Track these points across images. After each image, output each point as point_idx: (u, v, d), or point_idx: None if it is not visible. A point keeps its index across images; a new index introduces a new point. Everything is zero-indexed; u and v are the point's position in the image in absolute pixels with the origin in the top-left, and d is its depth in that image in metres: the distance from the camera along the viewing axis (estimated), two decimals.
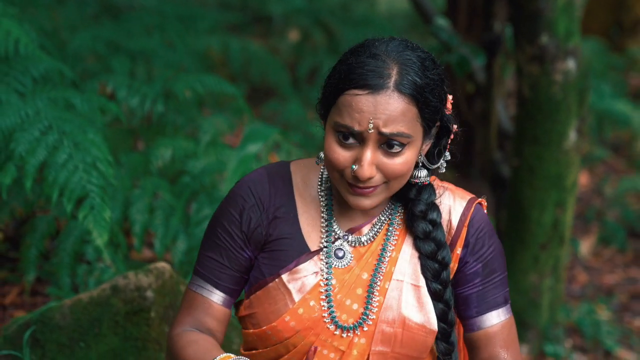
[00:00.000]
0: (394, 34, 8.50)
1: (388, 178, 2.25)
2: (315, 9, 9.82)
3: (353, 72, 2.21)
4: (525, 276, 5.12)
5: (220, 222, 2.39)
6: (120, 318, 3.11)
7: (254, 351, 2.41)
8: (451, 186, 2.45)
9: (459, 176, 7.57)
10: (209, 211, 3.88)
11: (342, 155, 2.22)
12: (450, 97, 2.37)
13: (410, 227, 2.39)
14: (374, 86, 2.18)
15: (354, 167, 2.21)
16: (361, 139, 2.21)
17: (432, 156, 2.37)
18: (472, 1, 7.22)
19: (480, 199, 2.45)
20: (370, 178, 2.23)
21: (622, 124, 8.81)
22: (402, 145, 2.22)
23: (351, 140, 2.21)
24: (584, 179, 8.38)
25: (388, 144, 2.22)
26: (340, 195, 2.36)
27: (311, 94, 8.61)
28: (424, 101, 2.23)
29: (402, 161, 2.24)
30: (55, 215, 3.77)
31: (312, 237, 2.37)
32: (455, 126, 2.39)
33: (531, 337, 5.18)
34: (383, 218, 2.39)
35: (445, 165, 2.40)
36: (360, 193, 2.25)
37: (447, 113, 2.36)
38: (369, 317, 2.34)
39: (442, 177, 2.51)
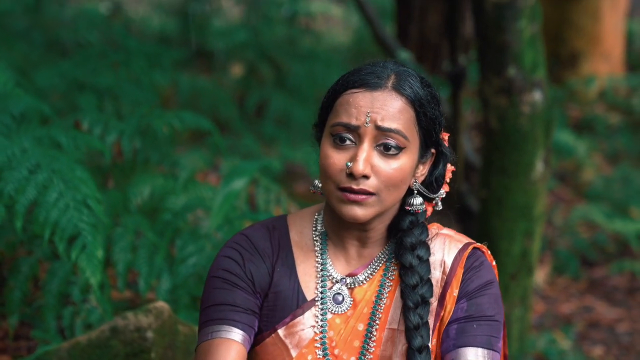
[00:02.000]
0: (340, 67, 8.61)
1: (381, 184, 2.20)
2: (261, 43, 9.85)
3: (351, 76, 2.25)
4: None
5: (220, 270, 2.32)
6: None
7: None
8: (451, 232, 2.40)
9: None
10: (193, 248, 3.84)
11: (336, 158, 2.20)
12: (446, 134, 2.37)
13: (397, 256, 2.33)
14: (372, 84, 2.21)
15: (348, 164, 2.18)
16: (358, 137, 2.20)
17: (429, 186, 2.34)
18: (422, 33, 7.34)
19: (479, 245, 2.39)
20: (365, 176, 2.19)
21: (566, 154, 8.98)
22: (399, 149, 2.21)
23: (347, 142, 2.19)
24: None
25: (385, 145, 2.20)
26: (336, 233, 2.33)
27: (261, 128, 8.61)
28: (421, 108, 2.23)
29: (398, 166, 2.21)
30: (39, 256, 3.69)
31: (310, 285, 2.33)
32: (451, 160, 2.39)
33: None
34: (380, 261, 2.34)
35: (440, 202, 2.37)
36: (353, 199, 2.20)
37: (445, 144, 2.36)
38: None
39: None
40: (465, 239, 2.38)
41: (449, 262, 2.33)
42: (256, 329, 2.32)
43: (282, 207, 4.16)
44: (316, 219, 2.38)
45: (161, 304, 3.12)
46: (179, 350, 3.16)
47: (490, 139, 4.99)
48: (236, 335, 2.26)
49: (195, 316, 3.78)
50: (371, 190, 2.20)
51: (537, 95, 4.87)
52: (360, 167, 2.17)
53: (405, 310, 2.29)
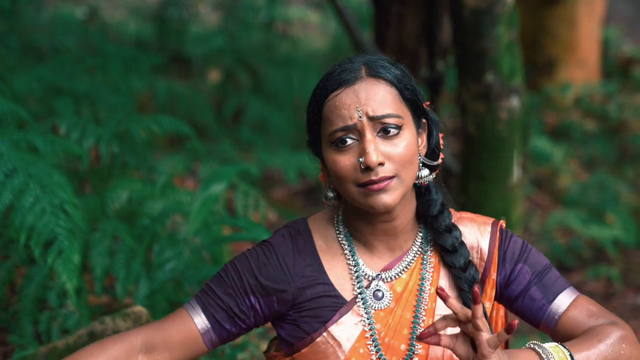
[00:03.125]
0: (316, 72, 8.53)
1: (397, 166, 2.25)
2: (238, 49, 9.84)
3: (325, 82, 2.30)
4: None
5: (233, 264, 2.38)
6: None
7: None
8: (467, 214, 2.48)
9: None
10: (171, 253, 3.83)
11: (346, 160, 2.26)
12: (427, 102, 2.42)
13: (437, 243, 2.39)
14: (348, 80, 2.26)
15: (360, 160, 2.24)
16: (358, 134, 2.25)
17: (431, 155, 2.41)
18: (399, 39, 7.34)
19: (500, 221, 2.48)
20: (380, 164, 2.23)
21: (543, 160, 9.02)
22: (398, 127, 2.26)
23: (349, 142, 2.25)
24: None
25: (384, 129, 2.25)
26: (362, 233, 2.37)
27: (239, 134, 8.59)
28: (400, 83, 2.29)
29: (404, 144, 2.26)
30: (15, 261, 3.66)
31: (345, 287, 2.37)
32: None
33: None
34: (415, 249, 2.40)
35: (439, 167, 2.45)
36: (376, 189, 2.24)
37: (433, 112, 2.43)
38: (415, 353, 2.34)
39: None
40: (489, 219, 2.46)
41: (485, 248, 2.40)
42: (227, 330, 2.35)
43: (260, 212, 4.16)
44: (336, 221, 2.42)
45: (139, 309, 3.11)
46: None
47: (468, 144, 5.00)
48: (199, 318, 2.34)
49: None
50: (390, 174, 2.25)
51: (514, 102, 4.89)
52: (373, 158, 2.22)
53: (460, 293, 2.37)
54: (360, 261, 2.38)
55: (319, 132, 2.31)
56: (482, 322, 2.13)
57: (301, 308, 2.36)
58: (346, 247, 2.39)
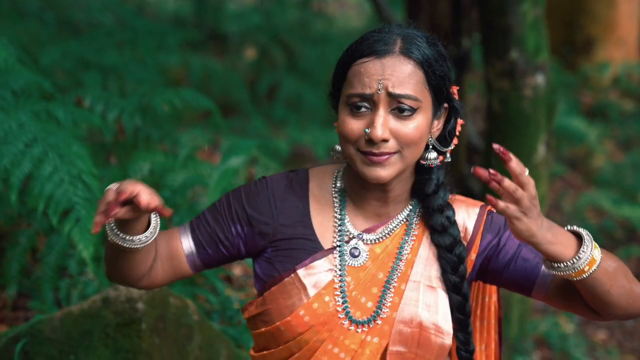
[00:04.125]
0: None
1: (401, 144, 2.27)
2: (273, 27, 9.87)
3: (359, 45, 2.29)
4: None
5: (227, 194, 2.45)
6: (111, 330, 3.09)
7: (264, 352, 2.42)
8: (459, 196, 2.48)
9: None
10: None
11: (355, 124, 2.28)
12: (455, 87, 2.41)
13: (427, 223, 2.41)
14: (380, 51, 2.26)
15: (367, 130, 2.26)
16: (372, 104, 2.27)
17: (442, 140, 2.40)
18: (432, 18, 7.32)
19: (489, 207, 2.45)
20: (384, 140, 2.26)
21: (577, 141, 8.97)
22: (413, 110, 2.27)
23: (363, 109, 2.27)
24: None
25: (399, 108, 2.26)
26: (356, 192, 2.40)
27: (272, 111, 8.64)
28: (430, 68, 2.28)
29: (414, 126, 2.27)
30: (37, 229, 3.74)
31: (326, 236, 2.40)
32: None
33: (502, 349, 5.24)
34: (400, 218, 2.42)
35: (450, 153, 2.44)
36: (376, 161, 2.27)
37: (456, 97, 2.41)
38: (383, 310, 2.36)
39: None
40: (479, 203, 2.46)
41: (470, 228, 2.41)
42: (209, 255, 2.41)
43: None
44: (336, 175, 2.45)
45: None
46: (170, 321, 3.20)
47: (492, 122, 5.00)
48: (185, 238, 2.41)
49: (189, 290, 3.83)
50: (393, 150, 2.28)
51: (539, 79, 4.87)
52: (379, 132, 2.24)
53: (442, 273, 2.38)
54: (347, 218, 2.40)
55: (341, 89, 2.34)
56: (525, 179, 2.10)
57: (278, 246, 2.39)
58: (337, 201, 2.42)
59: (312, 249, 2.38)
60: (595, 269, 2.18)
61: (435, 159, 2.36)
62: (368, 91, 2.26)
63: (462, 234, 2.41)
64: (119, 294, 3.11)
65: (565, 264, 2.17)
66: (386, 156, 2.27)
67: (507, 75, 4.84)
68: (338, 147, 2.39)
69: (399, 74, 2.25)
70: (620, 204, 7.69)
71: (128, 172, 4.12)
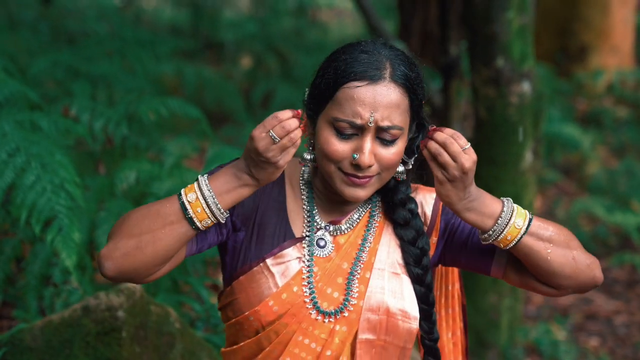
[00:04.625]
0: None
1: (382, 168, 2.35)
2: (268, 35, 9.90)
3: (351, 66, 2.31)
4: (485, 296, 5.19)
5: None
6: (92, 339, 3.11)
7: (234, 347, 2.45)
8: (419, 186, 2.55)
9: None
10: None
11: (341, 146, 2.32)
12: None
13: (389, 217, 2.48)
14: (373, 77, 2.30)
15: (355, 156, 2.31)
16: (360, 131, 2.32)
17: (409, 153, 2.46)
18: (424, 25, 7.35)
19: None
20: (370, 166, 2.32)
21: (571, 148, 8.98)
22: (395, 138, 2.34)
23: (350, 132, 2.31)
24: (536, 201, 8.51)
25: (384, 137, 2.33)
26: (321, 190, 2.45)
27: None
28: (414, 92, 2.36)
29: (396, 151, 2.35)
30: (21, 238, 3.76)
31: (297, 225, 2.44)
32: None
33: (491, 356, 5.25)
34: (362, 210, 2.48)
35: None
36: (358, 183, 2.34)
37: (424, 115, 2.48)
38: (350, 302, 2.40)
39: None
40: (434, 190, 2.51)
41: (428, 213, 2.49)
42: (207, 240, 2.40)
43: None
44: (303, 169, 2.49)
45: (133, 285, 3.18)
46: (151, 330, 3.22)
47: (479, 129, 5.02)
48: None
49: (175, 299, 3.85)
50: (374, 174, 2.35)
51: (525, 86, 4.90)
52: (367, 160, 2.31)
53: (405, 265, 2.45)
54: (315, 209, 2.46)
55: (325, 103, 2.35)
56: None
57: (252, 230, 2.42)
58: (305, 192, 2.47)
59: (283, 236, 2.42)
60: (520, 237, 2.31)
61: (402, 172, 2.44)
62: (359, 122, 2.30)
63: (422, 219, 2.48)
64: (99, 303, 3.13)
65: (488, 234, 2.31)
66: (367, 179, 2.34)
67: (493, 83, 4.86)
68: (308, 156, 2.40)
69: (388, 104, 2.31)
70: (614, 211, 7.70)
71: (114, 181, 4.14)
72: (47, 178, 3.40)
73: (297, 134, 2.21)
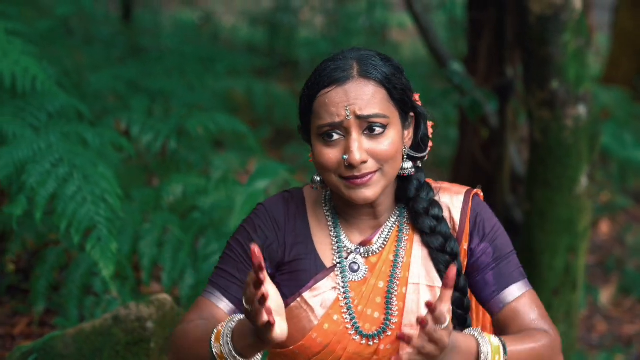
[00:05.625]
0: (417, 79, 8.55)
1: (380, 162, 2.35)
2: None
3: (318, 77, 2.37)
4: None
5: (235, 238, 2.48)
6: (121, 348, 3.16)
7: None
8: (445, 184, 2.54)
9: None
10: (217, 246, 3.95)
11: (331, 153, 2.34)
12: (417, 94, 2.49)
13: (415, 226, 2.47)
14: (340, 79, 2.33)
15: (344, 157, 2.32)
16: (344, 131, 2.33)
17: (417, 147, 2.49)
18: (490, 48, 7.29)
19: (475, 190, 2.54)
20: (363, 162, 2.32)
21: None
22: (383, 126, 2.34)
23: (335, 137, 2.33)
24: (605, 227, 8.37)
25: (369, 128, 2.34)
26: (346, 212, 2.46)
27: None
28: (390, 83, 2.36)
29: (389, 142, 2.35)
30: (65, 247, 3.85)
31: (327, 255, 2.46)
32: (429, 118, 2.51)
33: None
34: (390, 224, 2.48)
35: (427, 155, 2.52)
36: (359, 184, 2.34)
37: (419, 104, 2.49)
38: (391, 321, 2.41)
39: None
40: (463, 189, 2.53)
41: (457, 218, 2.48)
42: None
43: None
44: (324, 195, 2.51)
45: (164, 296, 3.23)
46: None
47: (534, 151, 4.96)
48: (224, 305, 2.43)
49: None
50: (374, 169, 2.35)
51: (581, 109, 4.82)
52: (357, 156, 2.31)
53: (438, 273, 2.44)
54: (342, 234, 2.46)
55: (310, 122, 2.40)
56: (445, 307, 2.13)
57: (284, 269, 2.45)
58: (330, 219, 2.48)
59: (314, 269, 2.44)
60: None
61: (411, 168, 2.45)
62: (337, 119, 2.32)
63: (450, 224, 2.47)
64: (130, 313, 3.18)
65: None
66: (368, 176, 2.34)
67: (547, 105, 4.80)
68: (317, 178, 2.44)
69: (362, 96, 2.32)
70: None
71: (161, 193, 4.21)
72: (88, 189, 3.47)
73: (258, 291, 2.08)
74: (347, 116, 2.31)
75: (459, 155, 8.01)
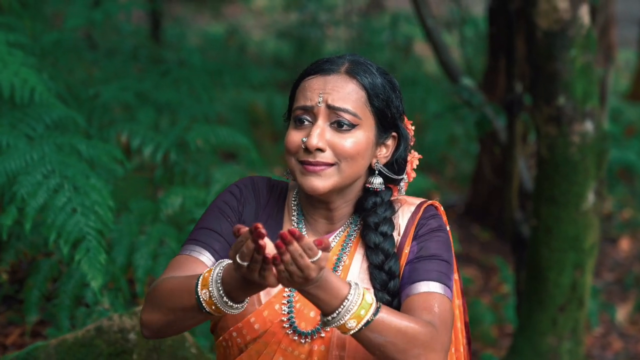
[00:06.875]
0: (440, 94, 8.51)
1: (338, 157, 2.37)
2: None
3: (309, 67, 2.44)
4: (543, 338, 5.06)
5: (220, 200, 2.50)
6: (103, 359, 3.17)
7: None
8: (405, 197, 2.54)
9: (495, 236, 7.58)
10: None
11: (295, 136, 2.38)
12: (409, 122, 2.51)
13: (362, 239, 2.48)
14: (325, 70, 2.39)
15: (304, 139, 2.35)
16: (313, 117, 2.37)
17: (390, 167, 2.49)
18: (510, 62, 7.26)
19: (431, 201, 2.53)
20: (319, 150, 2.35)
21: None
22: (352, 125, 2.37)
23: (305, 123, 2.37)
24: (625, 244, 8.28)
25: (338, 122, 2.36)
26: (307, 211, 2.49)
27: None
28: (373, 90, 2.39)
29: (352, 141, 2.37)
30: (59, 258, 3.87)
31: None
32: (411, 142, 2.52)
33: None
34: (341, 229, 2.50)
35: (404, 186, 2.54)
36: (311, 170, 2.36)
37: (407, 129, 2.50)
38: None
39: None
40: (418, 200, 2.54)
41: (402, 224, 2.49)
42: (221, 257, 2.44)
43: None
44: (297, 192, 2.55)
45: None
46: (165, 353, 3.25)
47: (541, 167, 4.92)
48: (206, 258, 2.43)
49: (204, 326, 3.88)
50: (329, 161, 2.37)
51: (588, 126, 4.77)
52: (314, 141, 2.34)
53: (372, 288, 2.44)
54: (304, 230, 2.49)
55: (291, 106, 2.45)
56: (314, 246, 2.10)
57: None
58: (294, 216, 2.51)
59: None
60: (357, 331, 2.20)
61: (380, 184, 2.45)
62: (309, 103, 2.36)
63: (396, 230, 2.46)
64: (112, 324, 3.19)
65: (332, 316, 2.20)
66: (322, 167, 2.36)
67: (554, 121, 4.76)
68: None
69: (340, 89, 2.36)
70: None
71: (160, 206, 4.22)
72: (78, 200, 3.49)
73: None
74: (319, 103, 2.35)
75: (478, 170, 7.98)
